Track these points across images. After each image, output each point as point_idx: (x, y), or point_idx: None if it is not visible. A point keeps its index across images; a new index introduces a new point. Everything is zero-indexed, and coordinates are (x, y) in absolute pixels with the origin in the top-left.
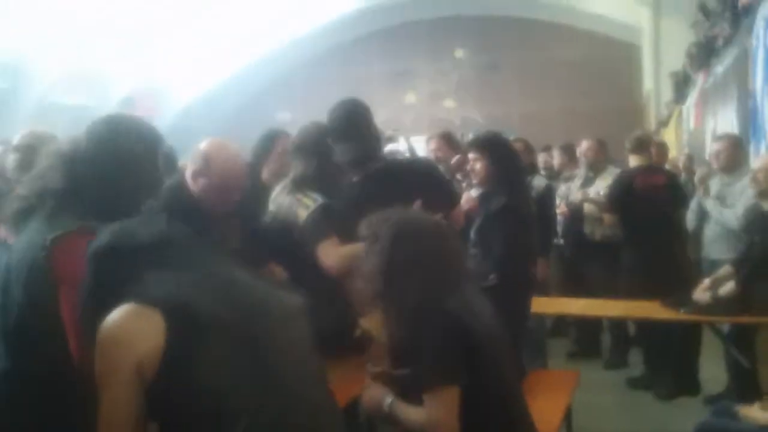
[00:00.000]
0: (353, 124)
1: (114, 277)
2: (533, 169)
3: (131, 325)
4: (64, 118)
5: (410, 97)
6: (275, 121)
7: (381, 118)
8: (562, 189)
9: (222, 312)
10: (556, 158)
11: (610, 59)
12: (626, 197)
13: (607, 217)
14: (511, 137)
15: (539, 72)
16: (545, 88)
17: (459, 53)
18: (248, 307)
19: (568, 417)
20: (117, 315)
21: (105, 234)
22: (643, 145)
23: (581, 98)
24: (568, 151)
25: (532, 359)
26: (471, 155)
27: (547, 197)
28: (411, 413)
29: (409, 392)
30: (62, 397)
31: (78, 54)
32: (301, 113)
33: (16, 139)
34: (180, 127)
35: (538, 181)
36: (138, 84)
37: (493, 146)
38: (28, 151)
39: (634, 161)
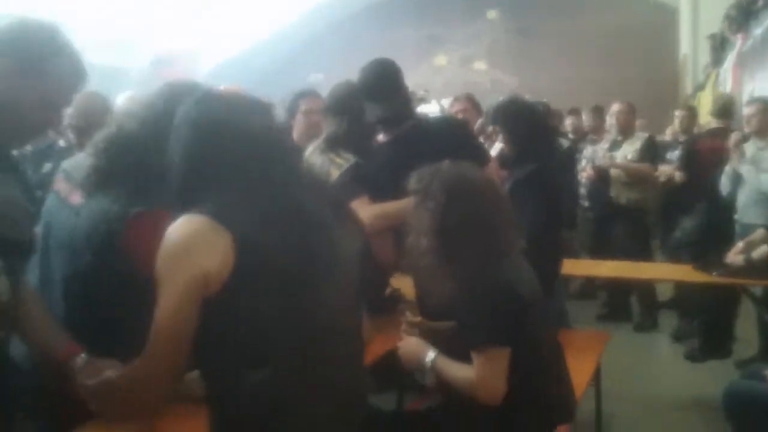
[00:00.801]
0: (384, 84)
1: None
2: (556, 132)
3: (204, 237)
4: (94, 78)
5: (441, 60)
6: (308, 83)
7: (412, 81)
8: (588, 151)
9: (285, 253)
10: (585, 120)
11: (647, 24)
12: (691, 160)
13: (678, 175)
14: (543, 101)
15: (574, 37)
16: (580, 53)
17: (492, 15)
18: (308, 249)
19: (596, 377)
20: (189, 223)
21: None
22: (724, 109)
23: (616, 63)
24: (598, 114)
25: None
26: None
27: (567, 160)
28: (457, 370)
29: (454, 347)
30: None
31: (111, 15)
32: (334, 75)
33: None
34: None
35: (560, 144)
36: (174, 44)
37: (511, 116)
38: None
39: (713, 124)
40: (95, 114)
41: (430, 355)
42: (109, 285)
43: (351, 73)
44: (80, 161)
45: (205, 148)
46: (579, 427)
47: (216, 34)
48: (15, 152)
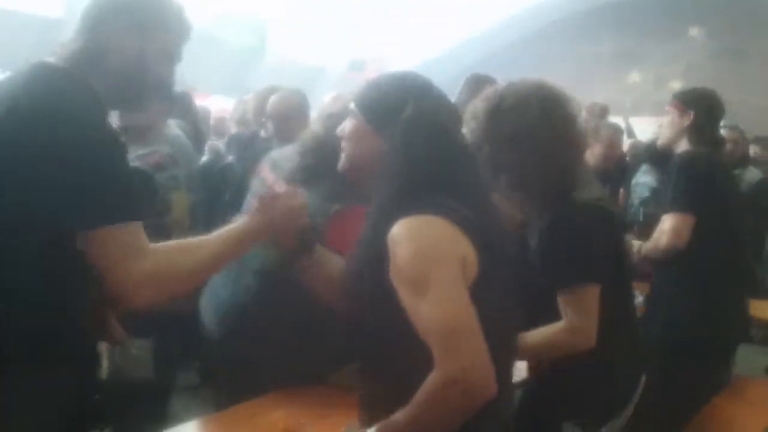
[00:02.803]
0: None
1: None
2: (746, 161)
3: (446, 228)
4: (299, 76)
5: (634, 77)
6: None
7: (600, 97)
8: None
9: (503, 259)
10: None
11: None
12: None
13: None
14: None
15: None
16: None
17: (694, 32)
18: (504, 251)
19: None
20: (425, 220)
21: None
22: None
23: None
24: None
25: None
26: None
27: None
28: (538, 335)
29: None
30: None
31: (318, 15)
32: None
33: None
34: None
35: (751, 174)
36: (368, 48)
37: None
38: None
39: None
40: (293, 109)
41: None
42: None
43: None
44: (287, 154)
45: (427, 149)
46: None
47: (407, 42)
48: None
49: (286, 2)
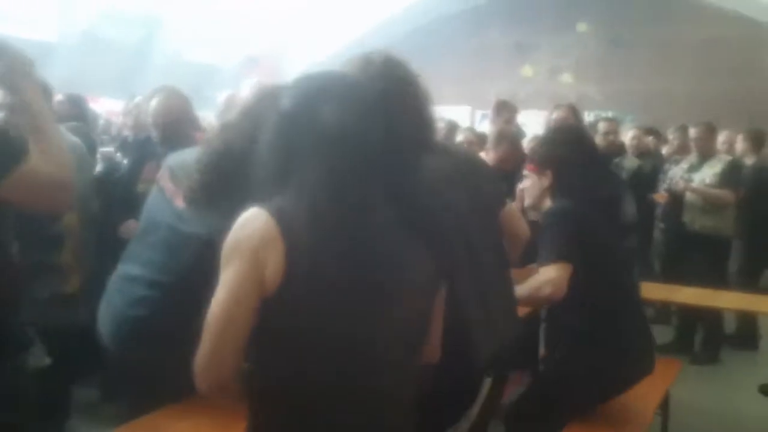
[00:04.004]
0: None
1: None
2: (621, 151)
3: (263, 224)
4: (190, 75)
5: (527, 71)
6: None
7: (498, 90)
8: (671, 171)
9: (337, 270)
10: (671, 140)
11: (742, 37)
12: None
13: None
14: (629, 117)
15: (667, 50)
16: (673, 67)
17: (582, 27)
18: (362, 270)
19: (665, 407)
20: (252, 213)
21: None
22: None
23: (711, 79)
24: (683, 133)
25: None
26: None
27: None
28: None
29: None
30: None
31: (209, 12)
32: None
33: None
34: None
35: (630, 162)
36: (262, 45)
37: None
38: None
39: None
40: (173, 113)
41: None
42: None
43: (432, 78)
44: (186, 163)
45: (276, 140)
46: None
47: (306, 36)
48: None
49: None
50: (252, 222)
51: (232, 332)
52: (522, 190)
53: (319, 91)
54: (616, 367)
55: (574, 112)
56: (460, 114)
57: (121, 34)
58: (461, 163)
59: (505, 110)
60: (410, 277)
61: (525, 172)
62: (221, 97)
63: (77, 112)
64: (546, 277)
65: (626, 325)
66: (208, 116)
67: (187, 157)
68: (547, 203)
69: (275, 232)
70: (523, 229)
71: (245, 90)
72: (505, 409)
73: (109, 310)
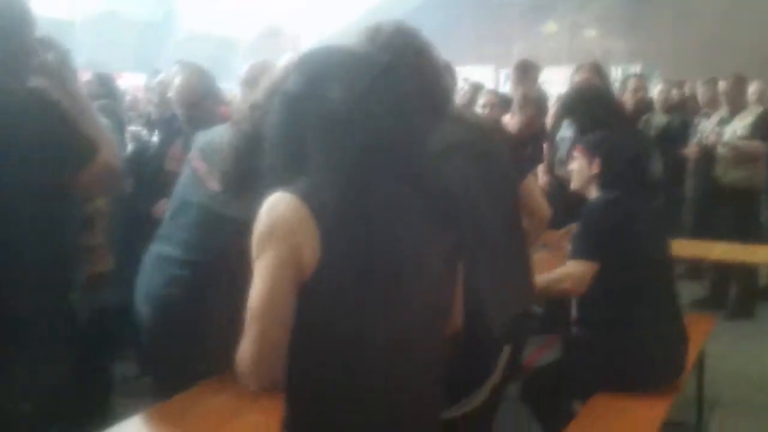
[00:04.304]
0: None
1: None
2: (649, 106)
3: (294, 209)
4: (209, 48)
5: (550, 27)
6: None
7: (519, 49)
8: (702, 126)
9: (366, 254)
10: (700, 94)
11: None
12: None
13: None
14: (656, 72)
15: (692, 0)
16: (699, 18)
17: None
18: (389, 269)
19: (700, 364)
20: (280, 198)
21: None
22: None
23: (739, 29)
24: (711, 86)
25: None
26: None
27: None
28: None
29: None
30: None
31: None
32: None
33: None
34: None
35: (659, 119)
36: (279, 16)
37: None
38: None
39: None
40: (197, 93)
41: None
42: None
43: (459, 38)
44: (215, 141)
45: (285, 123)
46: (681, 412)
47: (322, 4)
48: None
49: None
50: (283, 206)
51: (278, 323)
52: (570, 171)
53: (324, 70)
54: (636, 370)
55: (597, 71)
56: (483, 74)
57: (139, 10)
58: (475, 133)
59: (530, 71)
60: (432, 256)
61: (575, 153)
62: (244, 68)
63: (106, 90)
64: (568, 272)
65: (650, 332)
66: (231, 88)
67: (216, 136)
68: (594, 191)
69: (308, 216)
70: (541, 208)
71: (271, 63)
72: (527, 374)
73: (143, 289)
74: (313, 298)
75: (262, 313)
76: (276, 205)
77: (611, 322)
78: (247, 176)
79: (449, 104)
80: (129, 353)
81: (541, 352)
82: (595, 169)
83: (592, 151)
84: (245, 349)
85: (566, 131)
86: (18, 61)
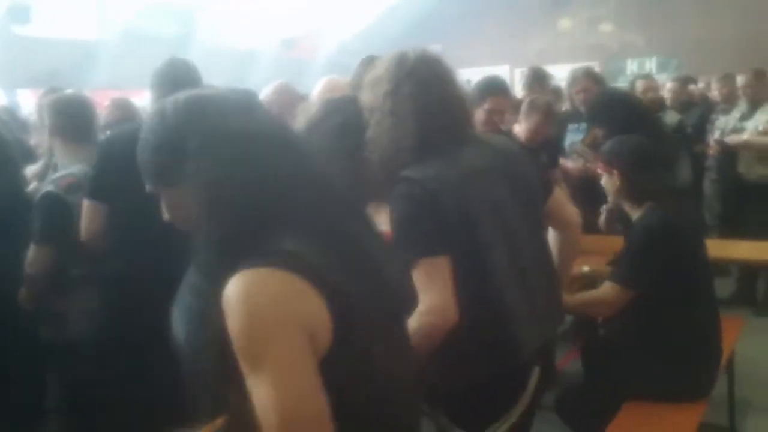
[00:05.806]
0: None
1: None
2: (660, 106)
3: (287, 285)
4: (230, 62)
5: (565, 23)
6: None
7: (536, 46)
8: (720, 121)
9: (367, 305)
10: (715, 90)
11: None
12: None
13: None
14: (674, 64)
15: None
16: (717, 10)
17: None
18: (382, 299)
19: (730, 364)
20: (262, 276)
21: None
22: None
23: (757, 20)
24: (729, 81)
25: None
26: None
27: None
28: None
29: None
30: None
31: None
32: (452, 44)
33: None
34: (336, 63)
35: (670, 117)
36: (298, 25)
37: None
38: None
39: None
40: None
41: None
42: None
43: (469, 41)
44: None
45: (231, 184)
46: (712, 413)
47: (338, 12)
48: None
49: None
50: (275, 285)
51: (318, 413)
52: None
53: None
54: (674, 381)
55: (593, 77)
56: (499, 74)
57: (159, 29)
58: (502, 156)
59: (542, 78)
60: (404, 282)
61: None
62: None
63: (129, 115)
64: (602, 298)
65: (691, 343)
66: None
67: None
68: (630, 208)
69: (306, 287)
70: (573, 215)
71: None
72: (558, 393)
73: (180, 301)
74: (337, 371)
75: (306, 419)
76: (265, 286)
77: (646, 333)
78: None
79: (470, 128)
80: None
81: (570, 357)
82: (618, 181)
83: (608, 163)
84: None
85: (575, 135)
86: None
